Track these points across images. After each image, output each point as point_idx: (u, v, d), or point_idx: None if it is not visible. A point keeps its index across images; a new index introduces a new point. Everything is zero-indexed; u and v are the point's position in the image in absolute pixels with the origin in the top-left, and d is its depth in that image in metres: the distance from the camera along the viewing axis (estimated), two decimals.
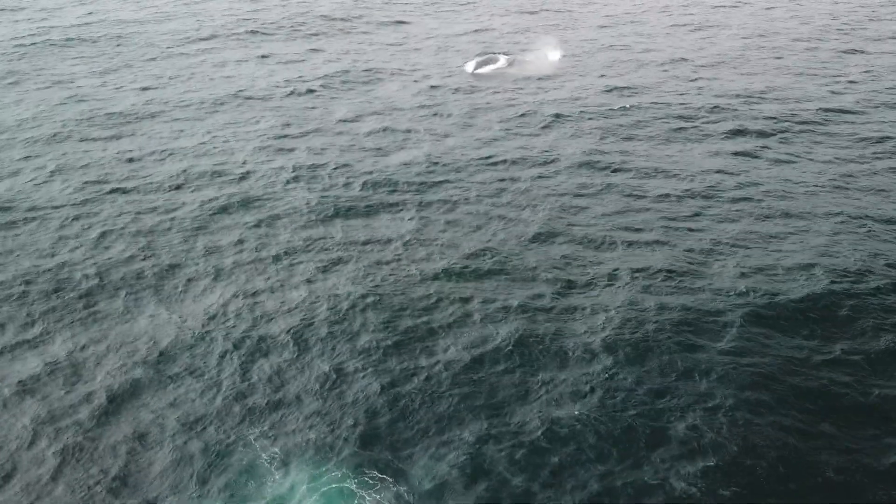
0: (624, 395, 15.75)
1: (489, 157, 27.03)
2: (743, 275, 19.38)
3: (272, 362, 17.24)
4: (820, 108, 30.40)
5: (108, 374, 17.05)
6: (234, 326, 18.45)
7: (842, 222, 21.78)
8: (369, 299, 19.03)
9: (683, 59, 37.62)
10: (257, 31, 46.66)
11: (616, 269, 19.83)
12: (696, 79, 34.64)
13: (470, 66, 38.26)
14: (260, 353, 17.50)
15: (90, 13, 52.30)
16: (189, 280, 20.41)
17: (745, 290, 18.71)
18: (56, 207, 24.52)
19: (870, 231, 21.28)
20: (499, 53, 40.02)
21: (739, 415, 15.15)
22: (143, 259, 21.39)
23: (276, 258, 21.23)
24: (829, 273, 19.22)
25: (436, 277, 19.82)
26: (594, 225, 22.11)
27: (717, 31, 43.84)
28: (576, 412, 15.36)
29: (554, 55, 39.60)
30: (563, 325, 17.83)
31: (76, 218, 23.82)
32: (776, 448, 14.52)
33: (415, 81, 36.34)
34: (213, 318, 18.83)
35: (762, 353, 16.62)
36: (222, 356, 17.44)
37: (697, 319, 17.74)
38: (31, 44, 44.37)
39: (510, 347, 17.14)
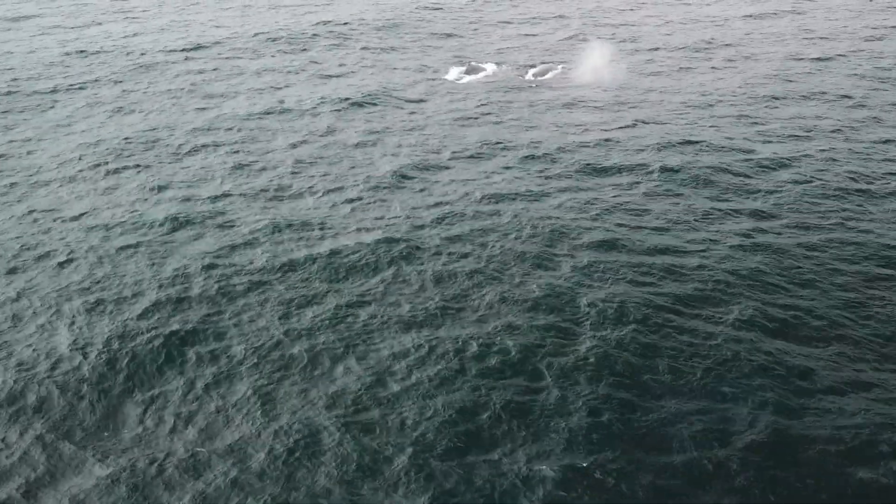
0: None
1: (496, 196, 23.53)
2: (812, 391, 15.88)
3: (277, 452, 14.09)
4: (870, 141, 27.01)
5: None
6: (235, 400, 15.33)
7: None
8: (382, 383, 15.52)
9: (718, 90, 33.72)
10: (254, 44, 42.96)
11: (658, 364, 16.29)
12: (736, 115, 30.69)
13: (454, 74, 35.82)
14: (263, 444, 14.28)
15: (76, 27, 48.40)
16: (179, 345, 17.15)
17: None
18: (41, 245, 21.48)
19: None
20: (485, 63, 37.16)
21: None
22: (132, 316, 18.10)
23: (281, 316, 17.99)
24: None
25: (463, 360, 16.27)
26: (628, 296, 18.36)
27: (748, 49, 40.07)
28: None
29: (559, 70, 36.31)
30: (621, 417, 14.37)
31: (57, 259, 20.71)
32: None
33: (407, 100, 33.05)
34: (210, 392, 15.69)
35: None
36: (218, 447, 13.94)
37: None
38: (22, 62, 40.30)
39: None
